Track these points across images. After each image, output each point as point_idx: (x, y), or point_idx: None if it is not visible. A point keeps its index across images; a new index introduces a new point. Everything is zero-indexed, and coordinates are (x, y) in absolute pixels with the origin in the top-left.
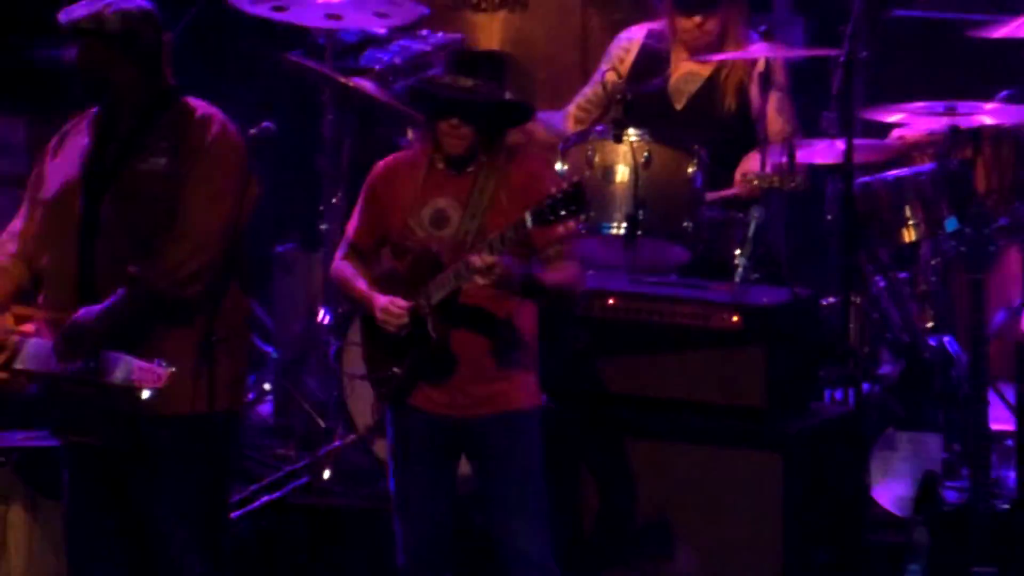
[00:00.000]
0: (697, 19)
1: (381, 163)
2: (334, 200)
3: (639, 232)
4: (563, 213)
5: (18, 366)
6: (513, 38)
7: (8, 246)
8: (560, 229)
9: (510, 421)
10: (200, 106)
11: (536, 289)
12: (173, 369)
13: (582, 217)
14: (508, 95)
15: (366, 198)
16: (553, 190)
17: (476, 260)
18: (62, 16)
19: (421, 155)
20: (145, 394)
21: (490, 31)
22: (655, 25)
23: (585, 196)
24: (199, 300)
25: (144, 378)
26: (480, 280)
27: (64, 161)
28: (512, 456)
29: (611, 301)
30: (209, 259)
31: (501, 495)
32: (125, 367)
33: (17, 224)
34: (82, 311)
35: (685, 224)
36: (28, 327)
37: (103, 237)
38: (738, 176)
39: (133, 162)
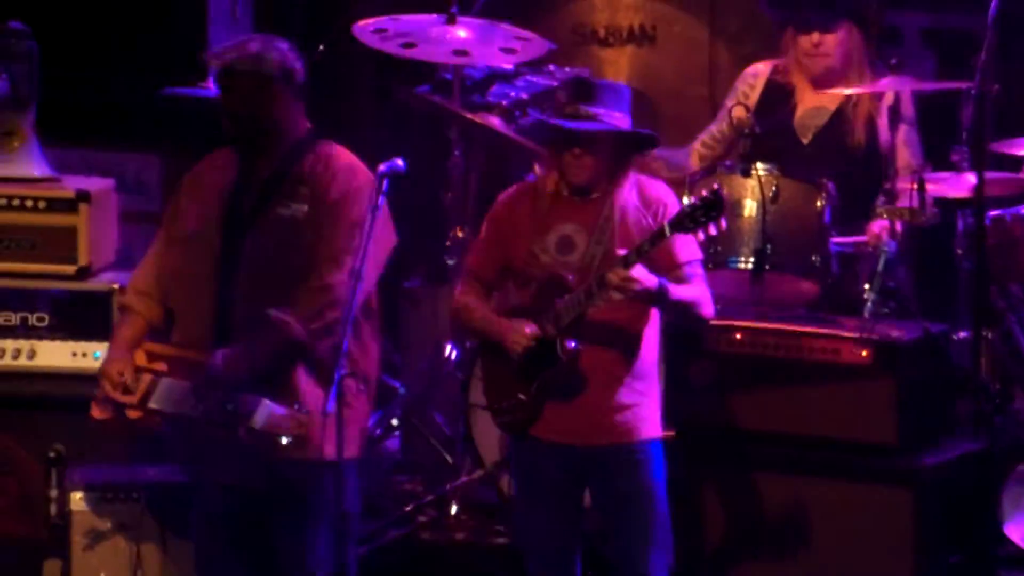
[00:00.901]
0: (814, 37)
1: (503, 195)
2: (460, 235)
3: (767, 266)
4: (702, 220)
5: (153, 405)
6: (640, 72)
7: (139, 283)
8: (685, 253)
9: (633, 451)
10: (340, 153)
11: (668, 301)
12: (311, 416)
13: (722, 224)
14: (631, 123)
15: (489, 229)
16: (692, 199)
17: (612, 277)
18: (212, 58)
19: (545, 183)
20: (284, 440)
21: (617, 65)
22: (780, 61)
23: (724, 203)
24: (333, 347)
25: (284, 424)
26: (616, 296)
27: (202, 199)
28: (636, 487)
29: (738, 336)
30: (355, 309)
31: (625, 525)
32: (265, 412)
33: (148, 261)
34: (220, 355)
35: (813, 258)
36: (160, 365)
37: (241, 278)
38: (870, 231)
39: (274, 206)
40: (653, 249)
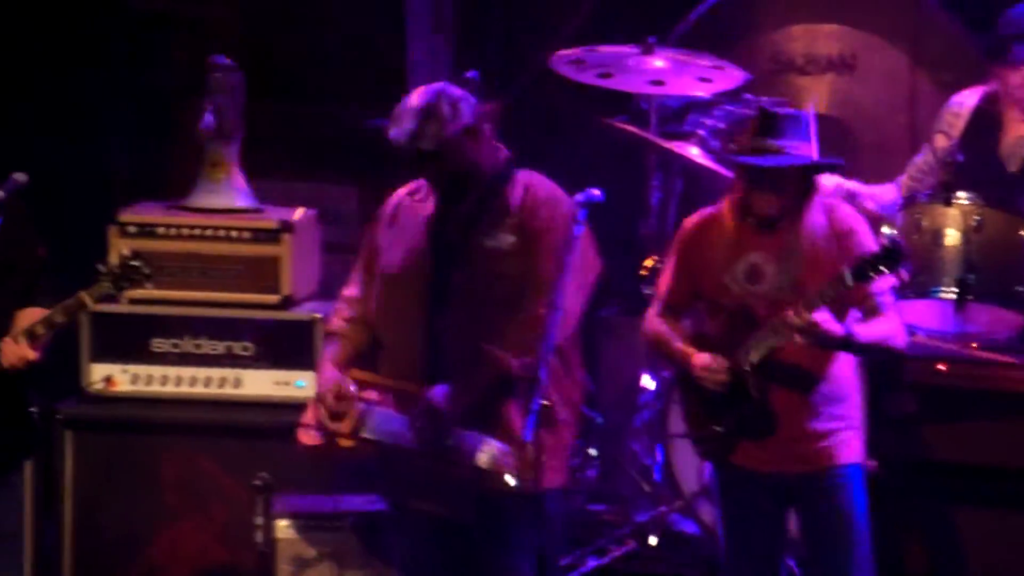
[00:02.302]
0: None
1: (690, 220)
2: (658, 264)
3: (970, 296)
4: (882, 269)
5: (366, 435)
6: (840, 101)
7: (344, 311)
8: (877, 283)
9: (833, 476)
10: (542, 182)
11: (855, 345)
12: (540, 456)
13: (902, 274)
14: (816, 149)
15: (677, 255)
16: (873, 247)
17: (793, 318)
18: (395, 141)
19: (730, 209)
20: (511, 480)
21: (816, 94)
22: (988, 87)
23: (904, 252)
24: (541, 376)
25: (510, 463)
26: (798, 338)
27: (405, 232)
28: (836, 510)
29: (941, 367)
30: (564, 337)
31: (826, 550)
32: (489, 451)
33: (351, 291)
34: (436, 390)
35: (1018, 288)
36: (371, 394)
37: (449, 310)
38: None
39: (479, 238)
40: (835, 293)
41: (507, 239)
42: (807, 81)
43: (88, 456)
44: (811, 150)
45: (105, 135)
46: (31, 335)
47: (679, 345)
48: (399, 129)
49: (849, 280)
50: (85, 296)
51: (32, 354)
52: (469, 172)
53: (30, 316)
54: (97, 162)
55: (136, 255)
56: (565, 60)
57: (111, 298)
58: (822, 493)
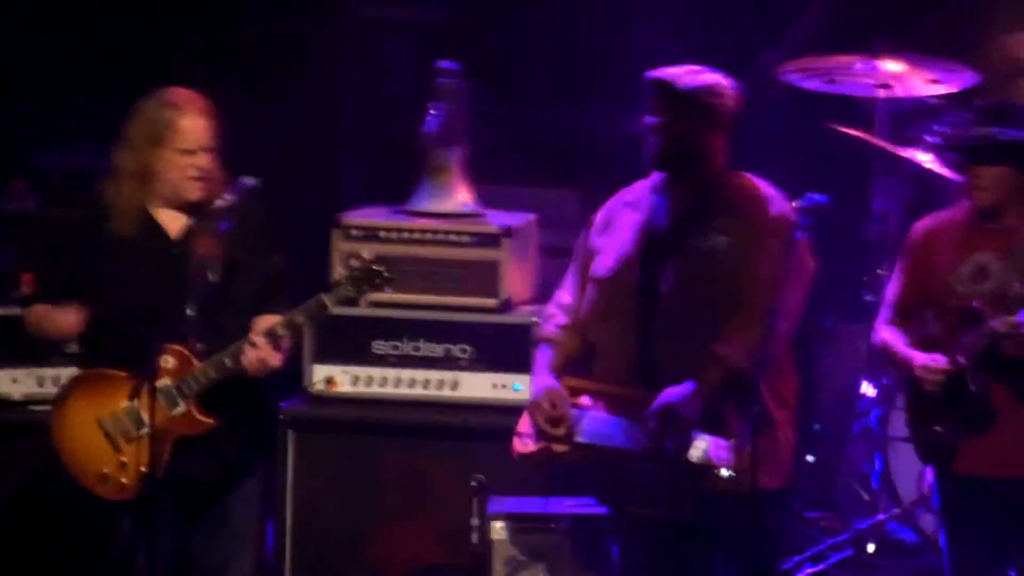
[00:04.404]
0: None
1: (919, 224)
2: (880, 271)
3: None
4: None
5: (579, 439)
6: None
7: (557, 318)
8: None
9: None
10: (757, 182)
11: None
12: (749, 447)
13: None
14: None
15: (906, 259)
16: None
17: (999, 325)
18: (663, 77)
19: (959, 212)
20: (724, 473)
21: None
22: None
23: None
24: (759, 378)
25: (723, 457)
26: (1012, 345)
27: (617, 236)
28: None
29: None
30: (781, 340)
31: None
32: (702, 445)
33: (564, 297)
34: (670, 393)
35: None
36: (582, 399)
37: (663, 313)
38: None
39: (693, 238)
40: None
41: (721, 239)
42: None
43: (309, 456)
44: None
45: (336, 141)
46: (272, 335)
47: (902, 349)
48: (673, 70)
49: None
50: (326, 298)
51: (275, 360)
52: (692, 156)
53: (268, 322)
54: (328, 167)
55: (378, 259)
56: (791, 70)
57: (352, 301)
58: None
